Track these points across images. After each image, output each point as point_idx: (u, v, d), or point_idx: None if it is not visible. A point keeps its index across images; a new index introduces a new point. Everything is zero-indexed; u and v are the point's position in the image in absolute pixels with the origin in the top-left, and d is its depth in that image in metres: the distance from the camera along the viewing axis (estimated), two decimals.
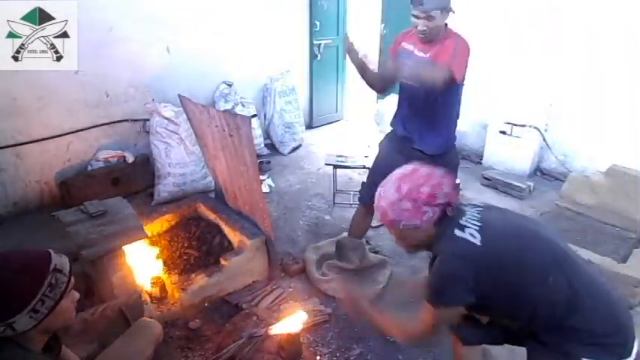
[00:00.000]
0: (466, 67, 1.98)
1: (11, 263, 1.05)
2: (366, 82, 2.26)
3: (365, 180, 2.50)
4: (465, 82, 2.06)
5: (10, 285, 1.01)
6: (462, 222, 1.25)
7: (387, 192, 1.28)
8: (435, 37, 2.01)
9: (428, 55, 2.05)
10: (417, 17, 1.97)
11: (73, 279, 1.12)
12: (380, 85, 2.30)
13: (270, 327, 1.83)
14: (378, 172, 2.35)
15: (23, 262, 1.06)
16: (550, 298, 1.18)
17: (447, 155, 2.20)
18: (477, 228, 1.22)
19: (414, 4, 1.94)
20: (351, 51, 2.11)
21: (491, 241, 1.21)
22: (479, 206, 1.37)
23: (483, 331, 1.49)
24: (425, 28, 1.97)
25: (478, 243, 1.19)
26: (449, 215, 1.26)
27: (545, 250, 1.23)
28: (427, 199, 1.23)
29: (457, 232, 1.22)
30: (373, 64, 2.23)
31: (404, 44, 2.18)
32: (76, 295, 1.16)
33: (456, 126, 2.25)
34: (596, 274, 1.27)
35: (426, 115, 2.15)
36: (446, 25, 2.03)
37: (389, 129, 2.40)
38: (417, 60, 2.08)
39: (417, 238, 1.30)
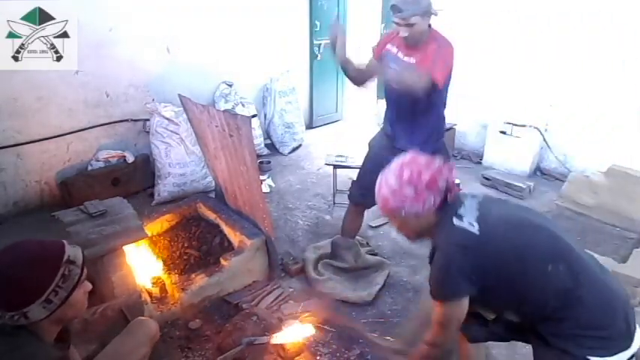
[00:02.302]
0: (448, 71, 1.98)
1: (26, 253, 1.07)
2: (347, 75, 2.24)
3: (355, 178, 2.51)
4: (449, 85, 2.05)
5: (24, 275, 1.03)
6: (460, 211, 1.25)
7: (388, 180, 1.29)
8: (418, 41, 2.01)
9: (412, 59, 2.05)
10: (397, 24, 1.97)
11: (85, 270, 1.14)
12: (360, 79, 2.27)
13: (274, 335, 1.82)
14: (367, 171, 2.37)
15: (37, 252, 1.08)
16: (549, 287, 1.18)
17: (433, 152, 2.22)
18: (475, 217, 1.23)
19: (393, 11, 1.94)
20: (337, 39, 2.08)
21: (489, 229, 1.21)
22: (477, 196, 1.36)
23: (489, 329, 1.47)
24: (407, 34, 1.97)
25: (476, 232, 1.20)
26: (449, 203, 1.27)
27: (545, 239, 1.23)
28: (428, 185, 1.23)
29: (456, 222, 1.22)
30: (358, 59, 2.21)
31: (389, 46, 2.17)
32: (89, 286, 1.18)
33: (439, 127, 2.25)
34: (598, 268, 1.26)
35: (409, 118, 2.16)
36: (430, 26, 2.02)
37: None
38: (401, 64, 2.07)
39: (418, 226, 1.31)
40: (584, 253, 1.28)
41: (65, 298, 1.07)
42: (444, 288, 1.25)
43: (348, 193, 2.56)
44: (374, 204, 2.53)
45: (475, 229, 1.20)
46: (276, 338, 1.81)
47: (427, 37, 2.02)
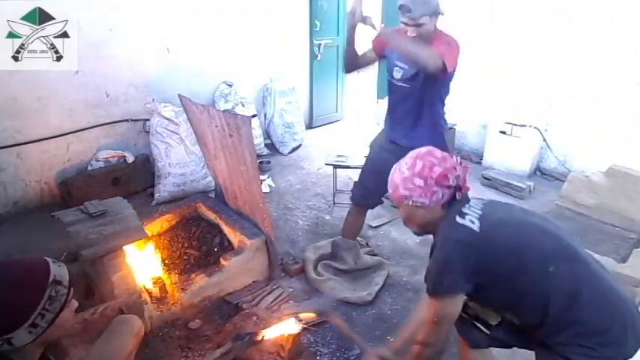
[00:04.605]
0: (456, 62, 1.97)
1: (8, 276, 1.00)
2: (347, 53, 2.25)
3: (356, 179, 2.51)
4: (453, 77, 2.06)
5: (7, 299, 0.96)
6: (464, 210, 1.27)
7: (401, 168, 1.33)
8: (426, 41, 1.99)
9: None
10: (405, 24, 1.96)
11: (72, 289, 1.08)
12: (354, 62, 2.26)
13: (262, 332, 1.81)
14: (369, 172, 2.38)
15: (21, 274, 1.01)
16: (551, 289, 1.18)
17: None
18: (477, 216, 1.24)
19: (402, 10, 1.93)
20: (356, 10, 2.05)
21: (490, 228, 1.23)
22: (483, 199, 1.39)
23: (491, 334, 1.46)
24: (415, 34, 1.96)
25: (476, 229, 1.21)
26: (457, 200, 1.29)
27: (547, 240, 1.23)
28: (438, 179, 1.26)
29: (458, 219, 1.24)
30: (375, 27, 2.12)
31: None
32: (75, 304, 1.12)
33: (440, 125, 2.24)
34: (603, 271, 1.25)
35: (411, 116, 2.16)
36: (435, 27, 2.02)
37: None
38: (408, 62, 2.05)
39: (423, 217, 1.33)
40: (588, 255, 1.27)
41: (52, 320, 1.01)
42: (440, 283, 1.24)
43: (350, 194, 2.56)
44: (376, 204, 2.57)
45: (476, 226, 1.21)
46: (261, 335, 1.80)
47: (433, 36, 2.01)
